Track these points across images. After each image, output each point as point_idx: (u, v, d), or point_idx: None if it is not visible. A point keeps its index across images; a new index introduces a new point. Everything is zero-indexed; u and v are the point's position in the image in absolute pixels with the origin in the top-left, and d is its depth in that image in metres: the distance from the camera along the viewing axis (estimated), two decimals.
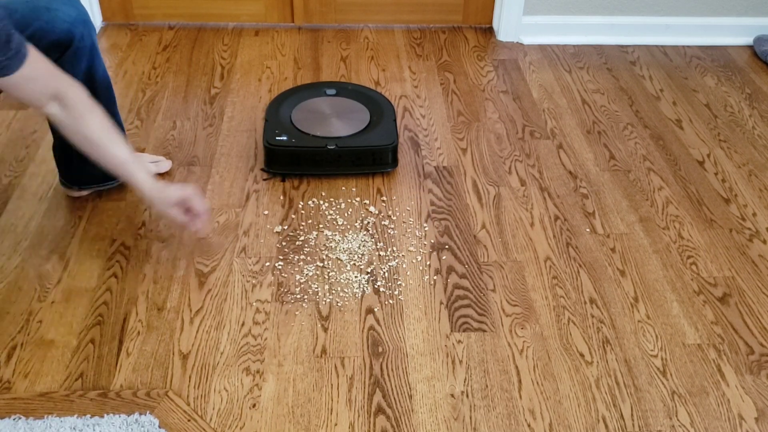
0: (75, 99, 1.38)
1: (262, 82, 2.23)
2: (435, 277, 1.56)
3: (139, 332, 1.42)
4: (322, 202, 1.76)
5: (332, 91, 2.01)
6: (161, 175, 1.81)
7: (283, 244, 1.63)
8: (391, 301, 1.50)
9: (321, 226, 1.69)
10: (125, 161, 1.42)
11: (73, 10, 1.47)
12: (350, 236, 1.66)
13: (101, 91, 1.58)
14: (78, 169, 1.67)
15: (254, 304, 1.49)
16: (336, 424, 1.27)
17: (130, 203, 1.73)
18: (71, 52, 1.49)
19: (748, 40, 2.54)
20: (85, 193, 1.73)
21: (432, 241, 1.66)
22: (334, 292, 1.52)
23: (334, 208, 1.74)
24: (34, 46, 1.31)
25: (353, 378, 1.35)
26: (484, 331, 1.45)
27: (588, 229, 1.71)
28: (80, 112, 1.39)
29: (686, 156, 1.97)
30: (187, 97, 2.14)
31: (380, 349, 1.41)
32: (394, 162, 1.87)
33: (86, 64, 1.53)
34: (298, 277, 1.55)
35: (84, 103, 1.39)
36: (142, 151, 1.89)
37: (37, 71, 1.32)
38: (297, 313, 1.47)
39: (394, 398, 1.32)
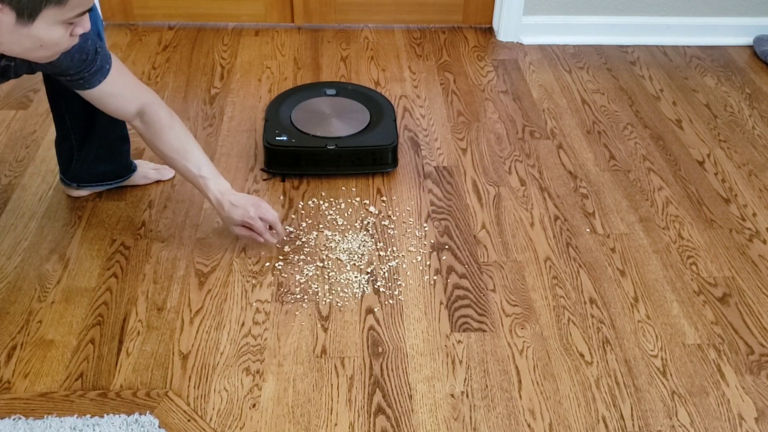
0: (154, 116, 1.49)
1: (262, 82, 2.23)
2: (435, 277, 1.56)
3: (139, 332, 1.42)
4: (322, 202, 1.76)
5: (332, 91, 2.01)
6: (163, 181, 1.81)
7: (283, 244, 1.63)
8: (391, 301, 1.50)
9: (321, 226, 1.69)
10: (196, 176, 1.50)
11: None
12: (350, 236, 1.66)
13: None
14: (78, 165, 1.67)
15: (254, 304, 1.49)
16: (336, 424, 1.27)
17: (130, 203, 1.73)
18: None
19: (748, 40, 2.54)
20: (83, 192, 1.73)
21: (432, 241, 1.66)
22: (334, 292, 1.52)
23: (334, 208, 1.74)
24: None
25: (353, 378, 1.35)
26: (484, 331, 1.45)
27: (588, 229, 1.71)
28: (158, 129, 1.49)
29: (686, 156, 1.97)
30: (187, 97, 2.14)
31: (380, 349, 1.41)
32: (394, 162, 1.87)
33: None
34: (298, 277, 1.55)
35: (161, 120, 1.49)
36: (142, 151, 1.89)
37: (118, 88, 1.44)
38: (297, 313, 1.47)
39: (394, 398, 1.32)
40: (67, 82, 1.39)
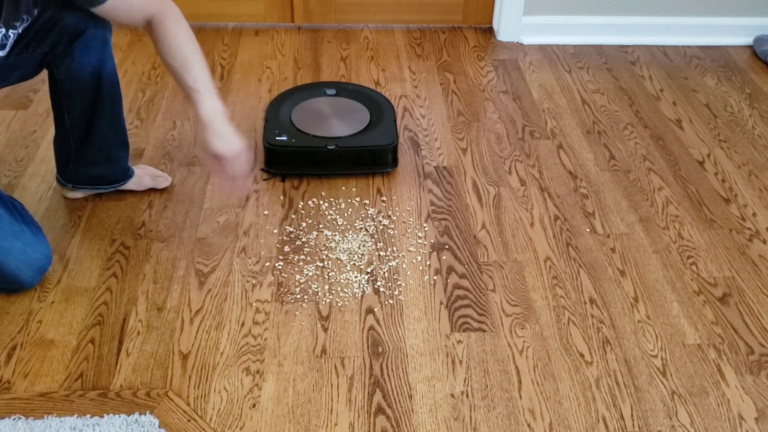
0: (158, 25, 1.42)
1: (262, 82, 2.23)
2: (435, 277, 1.56)
3: (139, 332, 1.42)
4: (322, 202, 1.76)
5: (332, 91, 2.01)
6: (159, 191, 1.78)
7: (283, 244, 1.63)
8: (391, 301, 1.50)
9: (321, 226, 1.69)
10: (191, 89, 1.42)
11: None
12: (350, 236, 1.66)
13: (107, 89, 1.58)
14: (75, 167, 1.66)
15: (254, 304, 1.49)
16: (336, 424, 1.27)
17: (130, 203, 1.73)
18: (82, 41, 1.49)
19: (748, 40, 2.54)
20: (78, 194, 1.72)
21: (432, 241, 1.66)
22: (334, 292, 1.52)
23: (334, 208, 1.74)
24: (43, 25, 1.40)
25: (353, 378, 1.35)
26: (484, 331, 1.45)
27: (588, 229, 1.71)
28: (160, 37, 1.41)
29: (686, 156, 1.97)
30: None
31: (380, 349, 1.41)
32: (394, 162, 1.87)
33: (96, 57, 1.53)
34: (298, 277, 1.55)
35: (166, 29, 1.42)
36: (143, 152, 1.89)
37: (127, 2, 1.39)
38: (297, 313, 1.47)
39: (394, 398, 1.32)
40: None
